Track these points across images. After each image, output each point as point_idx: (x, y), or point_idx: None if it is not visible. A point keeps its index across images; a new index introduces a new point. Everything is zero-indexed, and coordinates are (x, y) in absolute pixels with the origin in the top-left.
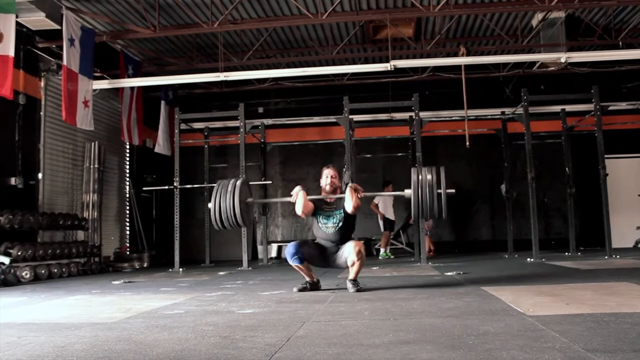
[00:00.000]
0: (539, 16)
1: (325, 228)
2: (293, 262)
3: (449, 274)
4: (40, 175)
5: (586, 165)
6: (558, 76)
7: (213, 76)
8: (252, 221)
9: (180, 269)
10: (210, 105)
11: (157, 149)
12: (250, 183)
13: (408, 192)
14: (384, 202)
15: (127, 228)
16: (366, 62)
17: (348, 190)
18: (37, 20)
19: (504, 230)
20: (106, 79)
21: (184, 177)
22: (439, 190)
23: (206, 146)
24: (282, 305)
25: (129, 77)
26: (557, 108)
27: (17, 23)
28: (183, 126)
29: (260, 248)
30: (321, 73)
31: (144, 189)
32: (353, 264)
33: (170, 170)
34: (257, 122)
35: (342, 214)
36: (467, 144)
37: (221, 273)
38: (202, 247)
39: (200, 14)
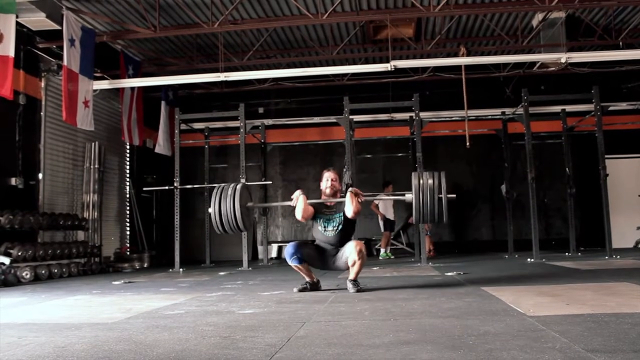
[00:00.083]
0: (539, 16)
1: (325, 231)
2: (292, 262)
3: (449, 274)
4: (40, 176)
5: (586, 165)
6: (558, 76)
7: (213, 76)
8: (253, 222)
9: (181, 269)
10: (210, 106)
11: (157, 149)
12: (251, 183)
13: (409, 197)
14: (384, 202)
15: (128, 228)
16: (366, 62)
17: (348, 195)
18: (38, 20)
19: (504, 231)
20: (106, 79)
21: (184, 178)
22: (440, 195)
23: (206, 146)
24: (282, 306)
25: (129, 77)
26: (557, 108)
27: (18, 23)
28: (183, 126)
29: (260, 248)
30: (321, 73)
31: (144, 189)
32: (354, 264)
33: (171, 171)
34: (257, 122)
35: (342, 218)
36: (468, 144)
37: (221, 273)
38: (202, 248)
39: (201, 14)
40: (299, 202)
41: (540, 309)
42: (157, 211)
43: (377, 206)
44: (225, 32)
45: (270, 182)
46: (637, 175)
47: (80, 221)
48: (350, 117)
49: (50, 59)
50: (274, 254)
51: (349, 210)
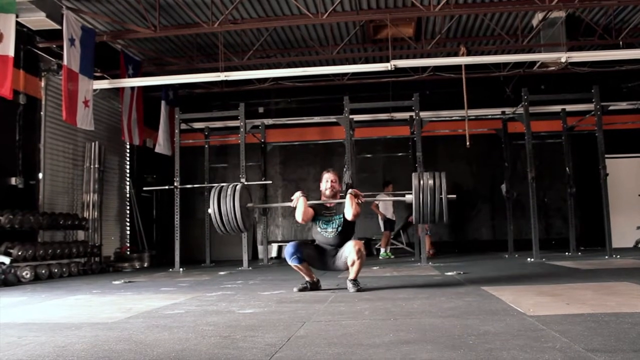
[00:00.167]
0: (539, 16)
1: (325, 233)
2: (292, 262)
3: (449, 274)
4: (40, 175)
5: (586, 165)
6: (558, 76)
7: (213, 76)
8: (253, 222)
9: (181, 269)
10: (210, 105)
11: (157, 149)
12: (251, 183)
13: (409, 197)
14: (384, 202)
15: (128, 228)
16: (366, 61)
17: (348, 197)
18: (38, 20)
19: (504, 230)
20: (106, 78)
21: (184, 177)
22: (441, 196)
23: (206, 146)
24: (282, 305)
25: (129, 77)
26: (557, 108)
27: (18, 23)
28: (183, 126)
29: (260, 248)
30: (321, 73)
31: (144, 188)
32: (353, 263)
33: (171, 170)
34: (257, 122)
35: (342, 219)
36: (468, 143)
37: (221, 273)
38: (202, 247)
39: (201, 14)
40: (299, 204)
41: (540, 308)
42: (157, 211)
43: (377, 206)
44: (225, 32)
45: (270, 182)
46: (637, 174)
47: (80, 221)
48: (351, 116)
49: (50, 58)
50: (274, 253)
51: (349, 213)
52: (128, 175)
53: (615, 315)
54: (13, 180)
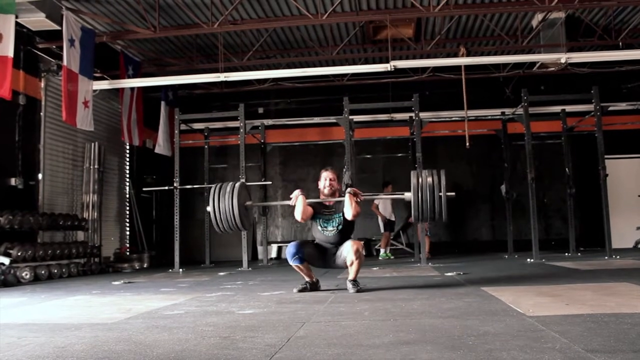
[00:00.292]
0: (539, 16)
1: (325, 231)
2: (294, 263)
3: (449, 274)
4: (40, 176)
5: (586, 165)
6: (558, 76)
7: (213, 77)
8: (252, 222)
9: (180, 270)
10: (210, 106)
11: (157, 150)
12: (250, 184)
13: (408, 195)
14: (383, 203)
15: (127, 228)
16: (366, 62)
17: (347, 196)
18: (37, 20)
19: (504, 231)
20: (106, 79)
21: (184, 178)
22: (440, 193)
23: (206, 147)
24: (282, 306)
25: (129, 77)
26: (557, 108)
27: (17, 23)
28: (183, 127)
29: (260, 249)
30: (321, 73)
31: (144, 189)
32: (352, 264)
33: (170, 171)
34: (257, 122)
35: (342, 218)
36: (467, 144)
37: (221, 273)
38: (202, 248)
39: (200, 15)
40: (298, 202)
41: (540, 309)
42: (156, 211)
43: (377, 207)
44: (225, 33)
45: (270, 183)
46: (637, 175)
47: (80, 221)
48: (350, 117)
49: (50, 59)
50: (273, 254)
51: (348, 213)
52: (128, 175)
53: (615, 315)
54: (13, 181)
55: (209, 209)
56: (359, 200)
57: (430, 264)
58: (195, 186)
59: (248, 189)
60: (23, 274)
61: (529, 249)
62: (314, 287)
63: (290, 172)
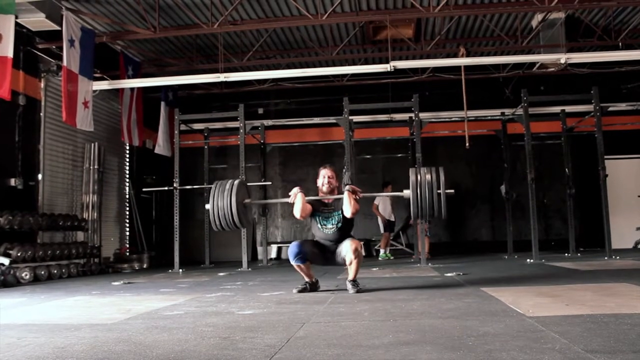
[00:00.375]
0: (538, 17)
1: (324, 229)
2: (296, 262)
3: (449, 274)
4: (40, 176)
5: (586, 166)
6: (558, 77)
7: (213, 77)
8: (252, 222)
9: (180, 270)
10: (210, 106)
11: (157, 150)
12: (250, 184)
13: (407, 193)
14: (383, 203)
15: (127, 229)
16: (366, 63)
17: (346, 194)
18: (37, 21)
19: (503, 231)
20: (106, 79)
21: (183, 178)
22: (439, 191)
23: (206, 147)
24: (281, 306)
25: (128, 78)
26: (556, 109)
27: (17, 24)
28: (183, 127)
29: (260, 249)
30: (321, 74)
31: (144, 189)
32: (351, 263)
33: (170, 171)
34: (257, 123)
35: (341, 215)
36: (467, 144)
37: (221, 274)
38: (201, 248)
39: (200, 15)
40: (297, 200)
41: (539, 309)
42: (156, 212)
43: (377, 207)
44: (225, 33)
45: (270, 183)
46: (637, 175)
47: (79, 222)
48: (350, 117)
49: (50, 59)
50: (273, 254)
51: (347, 211)
52: (127, 176)
53: (615, 316)
54: (12, 181)
55: (208, 206)
56: (357, 197)
57: (430, 264)
58: (195, 186)
59: (247, 187)
60: (23, 275)
61: (529, 249)
62: (313, 287)
63: (290, 173)
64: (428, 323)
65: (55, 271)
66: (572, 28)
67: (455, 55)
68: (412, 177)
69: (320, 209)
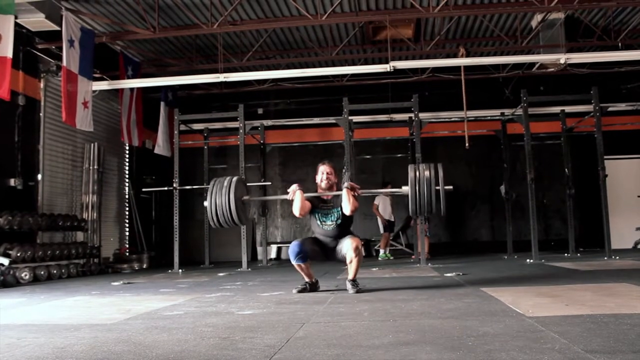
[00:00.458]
0: (538, 17)
1: (324, 226)
2: (297, 262)
3: (449, 275)
4: (39, 176)
5: (585, 166)
6: (557, 77)
7: (213, 77)
8: (251, 222)
9: (180, 270)
10: (209, 107)
11: (156, 150)
12: (250, 184)
13: (406, 189)
14: (383, 203)
15: (127, 229)
16: (366, 63)
17: (345, 191)
18: (37, 21)
19: (503, 231)
20: (106, 80)
21: (183, 178)
22: (437, 187)
23: (206, 147)
24: (281, 307)
25: (128, 78)
26: (556, 109)
27: (17, 24)
28: (182, 127)
29: (259, 249)
30: (321, 74)
31: (144, 190)
32: (351, 261)
33: (170, 171)
34: (256, 123)
35: (340, 212)
36: (467, 145)
37: (221, 274)
38: (201, 248)
39: (200, 15)
40: (296, 197)
41: (539, 309)
42: (156, 212)
43: (377, 208)
44: (225, 33)
45: (270, 183)
46: (637, 176)
47: (79, 222)
48: (350, 117)
49: (50, 59)
50: (273, 254)
51: (346, 208)
52: (127, 176)
53: (615, 316)
54: (12, 182)
55: (206, 203)
56: (356, 194)
57: (429, 264)
58: (194, 187)
59: (245, 183)
60: (22, 275)
61: (529, 249)
62: (313, 287)
63: (290, 173)
64: (428, 323)
65: (55, 271)
66: (572, 28)
67: (455, 56)
68: (410, 174)
69: (319, 206)
